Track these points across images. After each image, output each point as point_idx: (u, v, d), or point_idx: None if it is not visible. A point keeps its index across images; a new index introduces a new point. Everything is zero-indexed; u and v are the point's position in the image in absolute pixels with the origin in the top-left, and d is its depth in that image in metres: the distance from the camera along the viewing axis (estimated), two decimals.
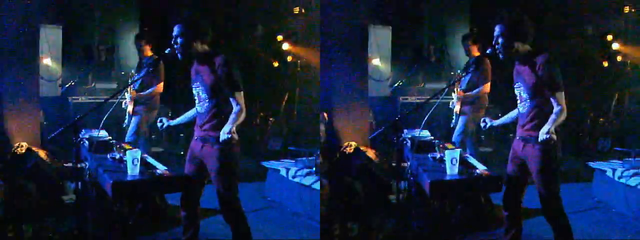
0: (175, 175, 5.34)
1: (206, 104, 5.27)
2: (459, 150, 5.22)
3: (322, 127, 7.43)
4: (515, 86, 5.28)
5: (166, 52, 5.25)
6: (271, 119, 8.94)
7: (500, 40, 5.09)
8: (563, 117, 5.01)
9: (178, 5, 7.97)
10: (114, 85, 8.45)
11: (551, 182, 5.17)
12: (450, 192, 5.31)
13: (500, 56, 5.14)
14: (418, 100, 8.52)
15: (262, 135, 8.81)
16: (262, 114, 8.92)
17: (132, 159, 5.23)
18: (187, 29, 5.19)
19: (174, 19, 5.27)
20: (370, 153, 7.15)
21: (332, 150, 7.52)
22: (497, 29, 5.10)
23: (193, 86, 5.38)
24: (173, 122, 5.68)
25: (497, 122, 5.56)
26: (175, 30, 5.22)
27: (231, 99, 5.20)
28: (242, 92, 5.22)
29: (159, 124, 5.63)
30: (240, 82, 5.22)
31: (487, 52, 5.19)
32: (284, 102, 9.05)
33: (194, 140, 5.38)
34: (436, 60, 8.52)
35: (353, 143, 7.71)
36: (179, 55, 5.25)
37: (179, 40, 5.20)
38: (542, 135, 4.94)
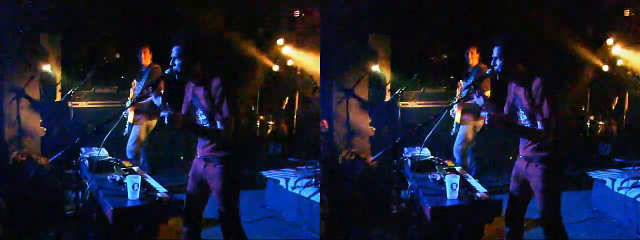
0: (175, 200, 5.42)
1: (206, 126, 5.28)
2: (458, 176, 5.25)
3: (321, 137, 7.45)
4: (513, 108, 5.29)
5: (166, 72, 5.23)
6: (271, 122, 8.91)
7: (498, 62, 5.10)
8: (536, 136, 5.06)
9: (177, 21, 7.91)
10: (115, 90, 8.41)
11: (553, 202, 5.22)
12: (451, 218, 5.33)
13: (498, 77, 5.16)
14: (418, 106, 8.52)
15: (261, 139, 8.78)
16: (261, 117, 8.88)
17: (133, 185, 5.29)
18: (185, 51, 5.17)
19: (172, 39, 5.24)
20: (374, 161, 7.18)
21: (333, 158, 7.56)
22: (495, 51, 5.12)
23: (191, 107, 5.37)
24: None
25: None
26: (174, 51, 5.20)
27: (218, 122, 5.19)
28: (230, 119, 5.18)
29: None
30: (232, 108, 5.18)
31: (487, 72, 5.22)
32: (283, 106, 9.02)
33: (197, 158, 5.41)
34: (436, 66, 8.49)
35: (353, 151, 7.75)
36: (177, 77, 5.24)
37: (177, 62, 5.19)
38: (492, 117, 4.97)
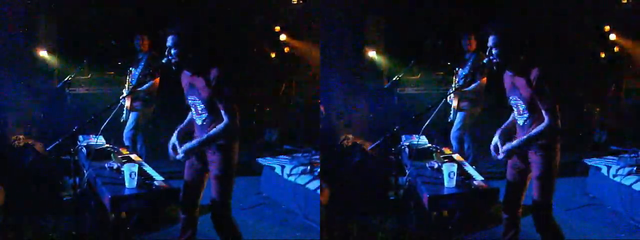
0: (172, 188, 5.47)
1: (205, 117, 5.26)
2: (456, 164, 5.26)
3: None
4: (510, 98, 5.28)
5: (163, 61, 5.19)
6: (267, 108, 8.91)
7: (494, 51, 5.08)
8: (547, 131, 5.05)
9: (175, 7, 7.87)
10: (111, 75, 8.41)
11: (547, 190, 5.23)
12: (448, 206, 5.35)
13: (495, 68, 5.15)
14: (416, 92, 8.53)
15: (258, 125, 8.79)
16: (258, 104, 8.89)
17: (130, 173, 5.34)
18: (181, 41, 5.11)
19: (168, 27, 5.18)
20: (368, 147, 7.17)
21: (331, 145, 7.56)
22: (490, 40, 5.09)
23: (188, 98, 5.35)
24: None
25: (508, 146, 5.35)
26: (169, 41, 5.14)
27: (222, 112, 5.17)
28: (235, 107, 5.17)
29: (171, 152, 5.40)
30: (233, 96, 5.17)
31: (484, 61, 5.18)
32: (281, 93, 9.03)
33: None
34: (433, 51, 8.50)
35: (350, 136, 7.76)
36: (173, 67, 5.21)
37: (173, 51, 5.13)
38: (509, 145, 5.05)
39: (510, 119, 5.46)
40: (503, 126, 5.45)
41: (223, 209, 5.36)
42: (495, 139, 5.28)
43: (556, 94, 5.07)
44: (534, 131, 5.09)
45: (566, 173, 7.68)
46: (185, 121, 5.50)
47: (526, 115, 5.17)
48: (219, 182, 5.28)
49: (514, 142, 5.14)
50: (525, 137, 5.11)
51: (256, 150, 8.36)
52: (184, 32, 5.14)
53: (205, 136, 5.19)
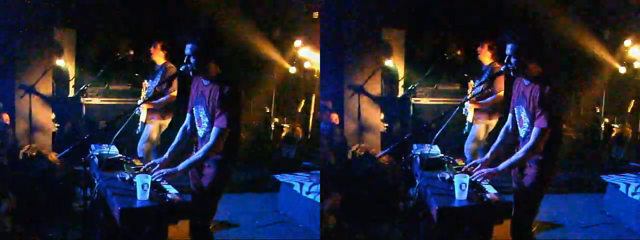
0: (186, 202, 5.21)
1: (207, 129, 5.23)
2: (467, 176, 5.13)
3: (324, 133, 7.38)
4: (516, 108, 5.23)
5: (181, 69, 5.16)
6: (285, 125, 8.82)
7: (512, 60, 5.01)
8: (531, 155, 5.02)
9: (194, 19, 7.87)
10: (128, 87, 8.41)
11: (531, 206, 5.19)
12: (459, 219, 5.21)
13: (512, 74, 5.09)
14: (431, 102, 8.46)
15: (276, 142, 8.71)
16: (276, 120, 8.81)
17: (142, 184, 5.07)
18: (200, 49, 5.09)
19: (187, 35, 5.16)
20: (382, 157, 7.09)
21: (342, 152, 7.51)
22: (508, 48, 5.02)
23: (195, 107, 5.32)
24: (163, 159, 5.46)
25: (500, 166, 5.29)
26: (188, 49, 5.12)
27: (212, 130, 5.13)
28: (225, 130, 5.12)
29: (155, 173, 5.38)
30: (230, 120, 5.11)
31: (501, 69, 5.13)
32: (299, 109, 8.95)
33: None
34: (450, 62, 8.43)
35: (363, 145, 7.69)
36: (190, 73, 5.19)
37: (191, 59, 5.11)
38: (484, 173, 5.11)
39: (501, 137, 5.43)
40: (493, 149, 5.44)
41: (202, 223, 5.30)
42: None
43: (558, 116, 5.04)
44: (514, 157, 5.10)
45: (583, 189, 7.64)
46: (176, 140, 5.50)
47: (528, 126, 5.11)
48: (203, 196, 5.24)
49: (499, 167, 5.14)
50: (506, 163, 5.11)
51: (274, 167, 8.29)
52: (203, 41, 5.11)
53: (186, 163, 5.19)
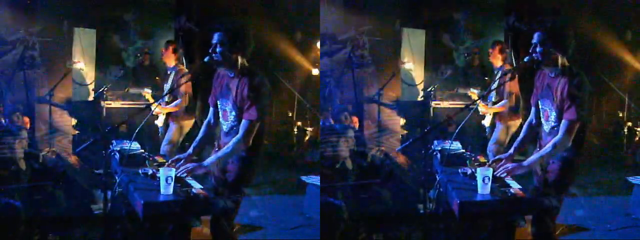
0: (211, 197, 5.08)
1: (233, 122, 5.15)
2: (491, 169, 5.04)
3: (351, 133, 7.33)
4: (540, 101, 5.14)
5: (205, 60, 5.05)
6: (309, 129, 8.73)
7: (538, 49, 4.93)
8: (561, 149, 4.93)
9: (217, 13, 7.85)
10: (149, 90, 8.39)
11: (552, 200, 5.08)
12: (481, 214, 5.10)
13: (536, 66, 5.01)
14: (451, 105, 8.41)
15: (299, 146, 8.64)
16: (299, 123, 8.74)
17: (166, 178, 4.92)
18: (227, 39, 4.98)
19: (215, 25, 5.08)
20: (401, 159, 7.04)
21: (362, 155, 7.45)
22: (535, 37, 4.94)
23: (219, 101, 5.22)
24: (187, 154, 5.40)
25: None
26: (215, 38, 5.01)
27: (241, 124, 5.05)
28: (256, 123, 5.03)
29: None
30: (260, 112, 5.02)
31: (525, 59, 5.02)
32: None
33: None
34: (470, 65, 8.39)
35: (383, 148, 7.64)
36: (214, 65, 5.08)
37: (218, 49, 4.99)
38: (508, 168, 5.01)
39: (524, 132, 5.36)
40: (516, 144, 5.36)
41: (225, 220, 5.24)
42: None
43: (585, 109, 4.95)
44: (543, 150, 5.01)
45: (608, 192, 7.52)
46: (200, 134, 5.43)
47: (553, 120, 5.04)
48: (227, 192, 5.16)
49: (524, 162, 5.07)
50: (532, 158, 5.03)
51: (298, 171, 8.20)
52: (232, 30, 5.02)
53: (213, 157, 5.11)
